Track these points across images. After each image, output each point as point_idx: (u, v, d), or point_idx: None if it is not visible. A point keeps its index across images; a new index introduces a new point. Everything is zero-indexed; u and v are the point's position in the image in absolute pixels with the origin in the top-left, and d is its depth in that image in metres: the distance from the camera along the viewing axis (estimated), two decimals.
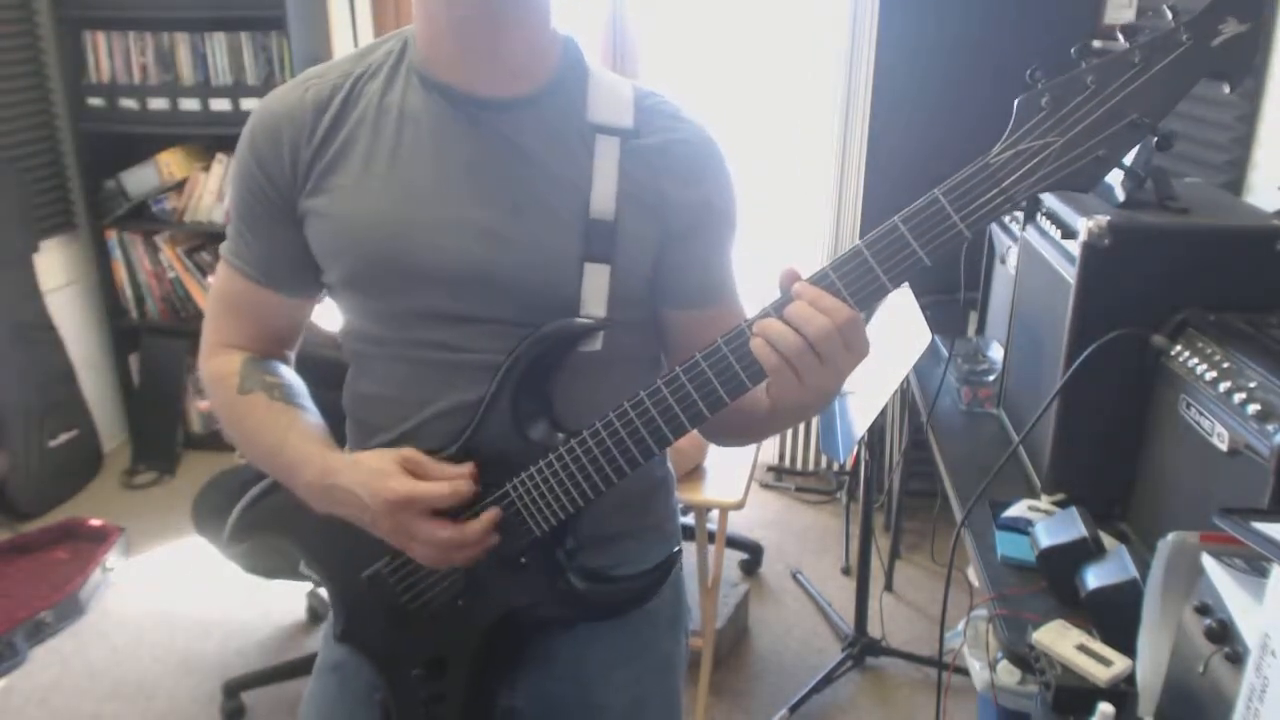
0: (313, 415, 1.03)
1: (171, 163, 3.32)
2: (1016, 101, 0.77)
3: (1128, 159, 0.78)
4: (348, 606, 1.06)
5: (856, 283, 0.81)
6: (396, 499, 0.90)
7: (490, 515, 0.93)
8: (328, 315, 1.11)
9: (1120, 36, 0.75)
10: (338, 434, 1.05)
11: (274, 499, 1.07)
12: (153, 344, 3.45)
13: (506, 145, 0.96)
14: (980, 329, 2.24)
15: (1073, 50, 0.76)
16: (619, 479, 0.92)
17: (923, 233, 0.78)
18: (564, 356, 0.96)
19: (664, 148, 0.98)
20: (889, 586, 2.79)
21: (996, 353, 1.99)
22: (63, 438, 3.22)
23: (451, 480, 0.92)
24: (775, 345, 0.81)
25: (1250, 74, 0.77)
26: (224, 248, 1.06)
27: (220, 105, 3.17)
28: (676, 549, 1.08)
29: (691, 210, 0.99)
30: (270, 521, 1.09)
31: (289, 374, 1.08)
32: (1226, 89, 0.76)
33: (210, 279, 3.30)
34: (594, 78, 1.00)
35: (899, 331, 2.12)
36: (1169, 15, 0.74)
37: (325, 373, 1.12)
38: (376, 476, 0.91)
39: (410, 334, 0.98)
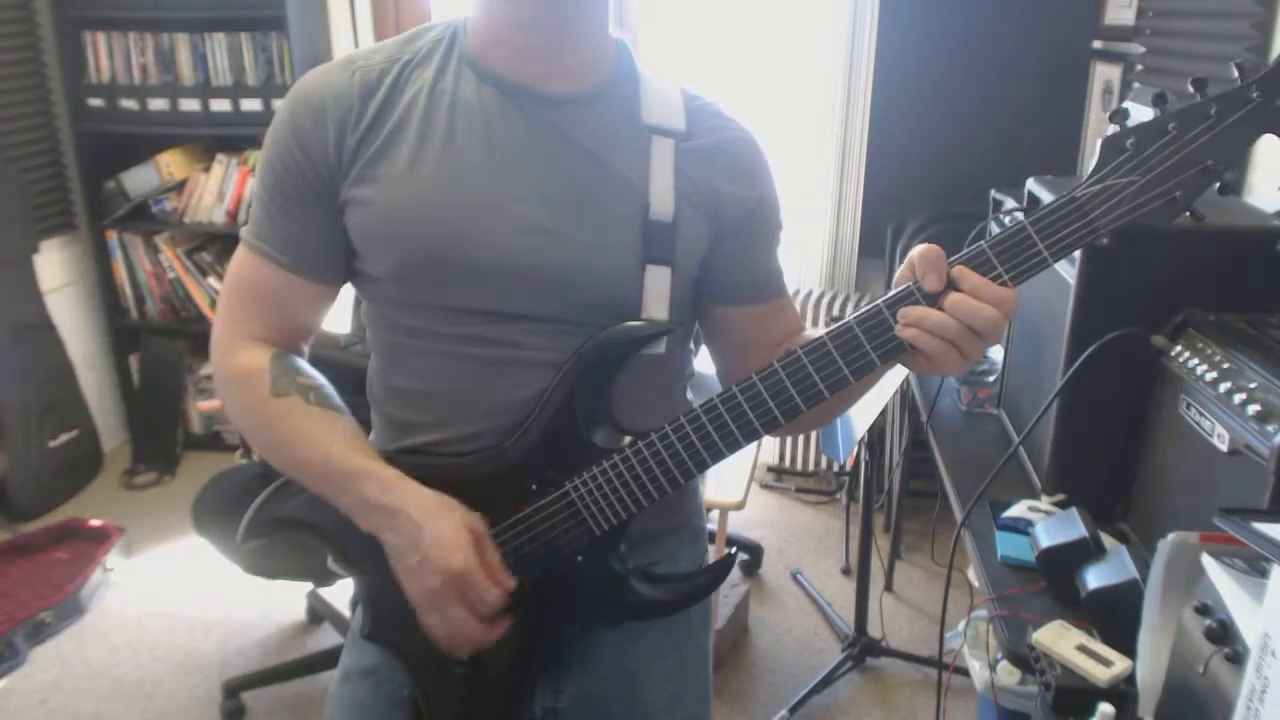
0: (354, 422, 0.99)
1: (171, 163, 3.32)
2: (1099, 141, 0.82)
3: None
4: (377, 604, 1.02)
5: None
6: (462, 571, 0.89)
7: (504, 626, 0.94)
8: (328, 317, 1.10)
9: (1191, 88, 0.80)
10: None
11: (300, 494, 1.01)
12: (153, 344, 3.45)
13: (564, 141, 0.94)
14: None
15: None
16: (686, 480, 0.92)
17: (1008, 259, 0.83)
18: (628, 359, 0.94)
19: (717, 145, 0.99)
20: (889, 587, 2.79)
21: (996, 353, 1.99)
22: (63, 438, 3.22)
23: (500, 587, 0.91)
24: (935, 333, 0.83)
25: None
26: (246, 231, 1.00)
27: (220, 105, 3.18)
28: (734, 549, 1.08)
29: (745, 205, 1.00)
30: (298, 514, 1.03)
31: (319, 374, 1.03)
32: None
33: (211, 280, 3.31)
34: (645, 80, 0.99)
35: None
36: (1236, 72, 0.79)
37: (329, 375, 1.11)
38: (452, 540, 0.89)
39: (458, 329, 0.95)
